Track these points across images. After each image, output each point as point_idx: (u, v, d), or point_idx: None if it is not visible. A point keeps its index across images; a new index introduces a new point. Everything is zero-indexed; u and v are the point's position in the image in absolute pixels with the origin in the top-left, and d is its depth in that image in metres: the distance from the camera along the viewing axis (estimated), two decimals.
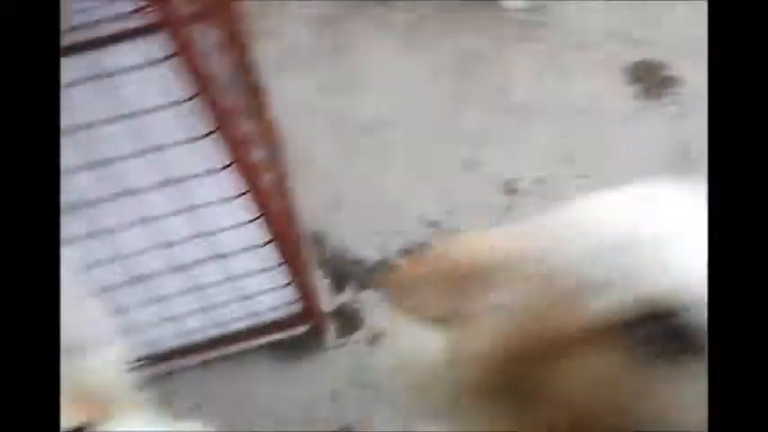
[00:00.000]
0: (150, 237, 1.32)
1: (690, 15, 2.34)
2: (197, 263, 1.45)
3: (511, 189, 1.84)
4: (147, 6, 0.81)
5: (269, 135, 1.90)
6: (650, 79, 2.15)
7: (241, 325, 1.56)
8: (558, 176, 1.86)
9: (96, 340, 0.70)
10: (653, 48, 2.25)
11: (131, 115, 1.11)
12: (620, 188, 0.65)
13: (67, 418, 0.58)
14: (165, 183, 1.23)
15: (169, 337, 1.51)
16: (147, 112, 1.12)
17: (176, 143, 1.18)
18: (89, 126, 1.08)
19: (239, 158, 1.20)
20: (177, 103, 1.09)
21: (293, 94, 2.19)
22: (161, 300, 1.42)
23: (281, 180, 1.79)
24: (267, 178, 1.41)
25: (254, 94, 1.84)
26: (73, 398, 0.61)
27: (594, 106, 2.07)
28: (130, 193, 1.21)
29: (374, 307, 1.61)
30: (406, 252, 1.72)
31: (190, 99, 1.06)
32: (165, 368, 1.52)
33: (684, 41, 2.25)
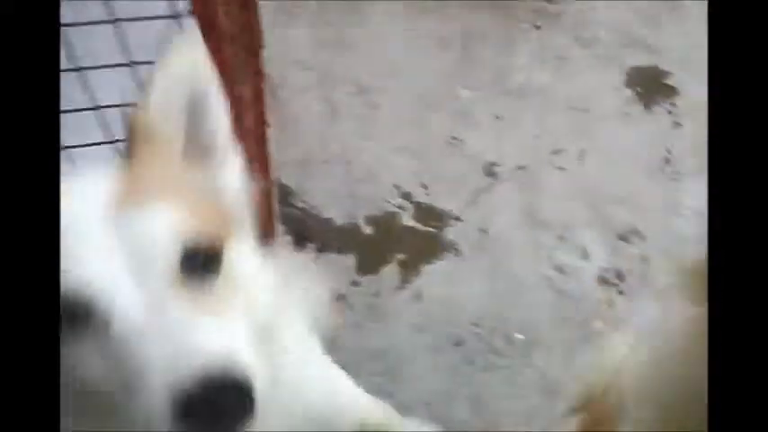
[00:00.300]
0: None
1: (700, 28, 2.30)
2: None
3: (490, 172, 1.81)
4: None
5: (257, 79, 1.84)
6: (649, 85, 2.11)
7: None
8: (540, 166, 1.82)
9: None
10: (657, 55, 2.20)
11: (119, 22, 1.03)
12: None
13: (190, 229, 0.56)
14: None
15: None
16: (138, 20, 1.05)
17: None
18: (74, 25, 1.00)
19: (226, 91, 1.14)
20: (171, 17, 1.03)
21: (288, 43, 2.13)
22: None
23: (260, 127, 1.74)
24: (249, 121, 1.35)
25: (251, 36, 1.77)
26: (196, 210, 0.58)
27: (589, 103, 2.03)
28: (98, 107, 1.14)
29: (333, 268, 1.58)
30: (374, 220, 1.68)
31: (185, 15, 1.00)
32: None
33: (689, 54, 2.21)
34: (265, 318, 0.62)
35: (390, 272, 1.57)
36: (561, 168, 1.83)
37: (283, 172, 1.77)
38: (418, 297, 1.53)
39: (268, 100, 1.92)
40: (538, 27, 2.28)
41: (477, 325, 1.47)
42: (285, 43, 2.11)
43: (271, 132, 1.84)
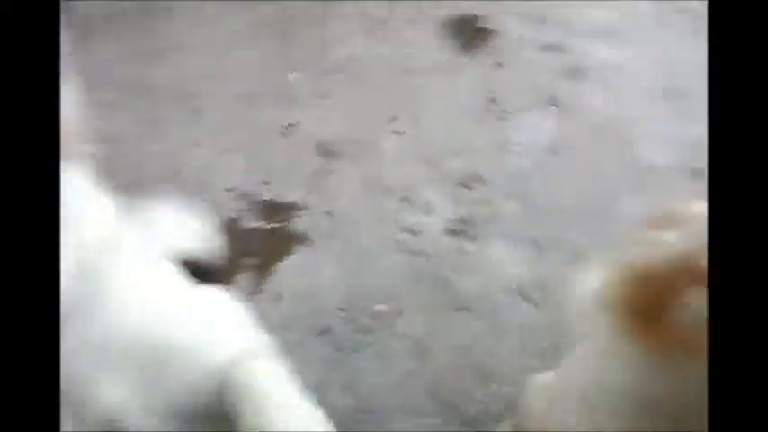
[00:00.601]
0: None
1: None
2: None
3: (327, 152, 1.78)
4: None
5: None
6: (465, 32, 2.15)
7: None
8: (375, 136, 1.81)
9: None
10: (470, 2, 2.25)
11: None
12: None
13: None
14: None
15: None
16: None
17: None
18: None
19: None
20: None
21: (97, 59, 1.97)
22: None
23: None
24: None
25: None
26: None
27: (412, 63, 2.04)
28: None
29: None
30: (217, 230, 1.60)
31: None
32: None
33: None
34: (93, 247, 0.65)
35: (243, 279, 1.51)
36: (396, 132, 1.83)
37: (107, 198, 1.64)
38: (277, 297, 1.48)
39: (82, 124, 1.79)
40: None
41: (341, 309, 1.45)
42: (92, 58, 1.96)
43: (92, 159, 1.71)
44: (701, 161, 1.70)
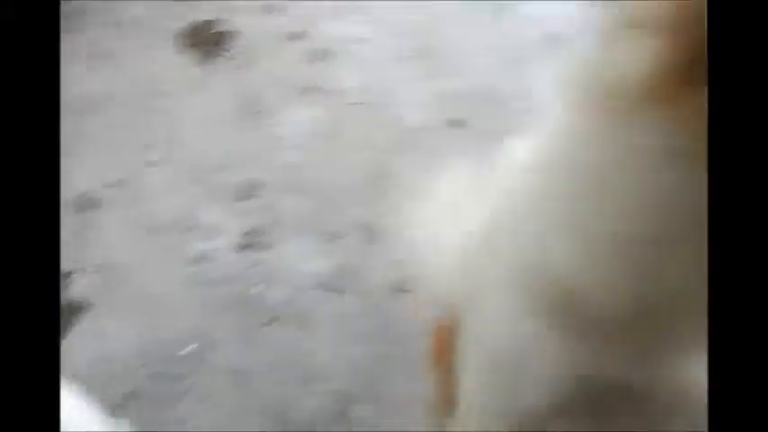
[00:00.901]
0: None
1: None
2: None
3: (89, 201, 1.61)
4: None
5: None
6: (204, 41, 2.07)
7: None
8: (135, 172, 1.68)
9: None
10: (200, 8, 2.17)
11: None
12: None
13: None
14: None
15: None
16: None
17: None
18: None
19: None
20: None
21: None
22: None
23: None
24: None
25: None
26: None
27: (156, 86, 1.91)
28: None
29: None
30: None
31: None
32: None
33: None
34: None
35: None
36: (156, 163, 1.71)
37: None
38: (70, 379, 1.31)
39: None
40: (69, 29, 2.06)
41: (143, 366, 1.33)
42: None
43: None
44: (457, 112, 1.80)
